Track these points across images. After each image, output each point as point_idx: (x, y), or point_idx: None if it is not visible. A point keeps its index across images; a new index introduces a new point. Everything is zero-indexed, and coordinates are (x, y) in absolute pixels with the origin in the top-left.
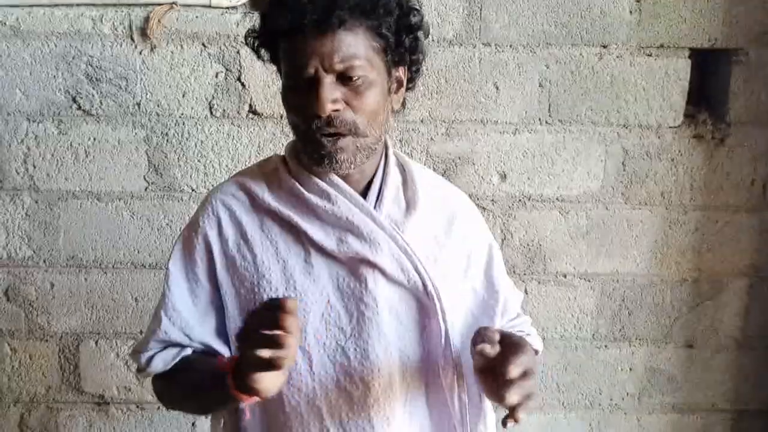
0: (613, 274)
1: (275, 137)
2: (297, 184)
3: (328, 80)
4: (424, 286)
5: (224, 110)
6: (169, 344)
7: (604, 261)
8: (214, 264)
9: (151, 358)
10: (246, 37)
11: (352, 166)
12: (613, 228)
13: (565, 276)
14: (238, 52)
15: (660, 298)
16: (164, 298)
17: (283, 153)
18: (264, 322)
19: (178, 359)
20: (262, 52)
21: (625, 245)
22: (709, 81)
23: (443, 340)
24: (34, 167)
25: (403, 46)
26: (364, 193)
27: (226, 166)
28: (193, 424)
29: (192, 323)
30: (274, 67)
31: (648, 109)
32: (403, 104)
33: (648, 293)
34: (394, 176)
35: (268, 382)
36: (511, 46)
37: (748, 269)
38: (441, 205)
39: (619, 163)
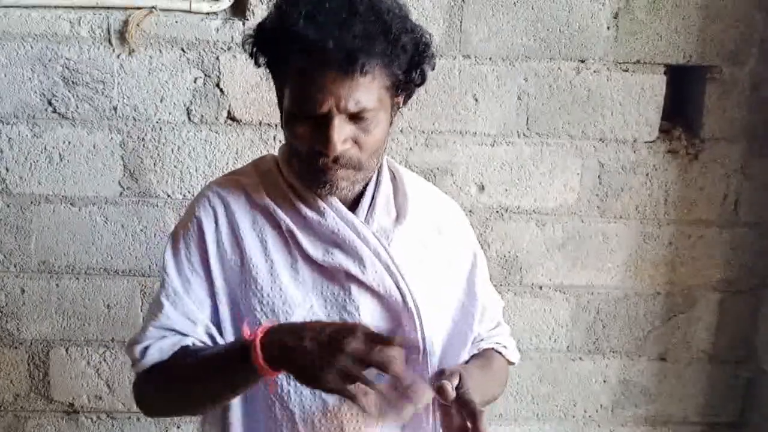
0: (588, 287)
1: (253, 144)
2: (290, 191)
3: (340, 120)
4: (405, 303)
5: (202, 116)
6: (168, 332)
7: (580, 273)
8: (207, 254)
9: (146, 349)
10: (244, 42)
11: (349, 192)
12: (589, 241)
13: (540, 288)
14: (217, 58)
15: (634, 311)
16: (164, 284)
17: (276, 154)
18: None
19: (177, 348)
20: (260, 60)
21: (600, 258)
22: (683, 97)
23: (420, 357)
24: (7, 170)
25: (411, 81)
26: (356, 202)
27: (203, 172)
28: None
29: (193, 309)
30: (254, 75)
31: (624, 124)
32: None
33: (622, 306)
34: (385, 185)
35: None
36: (490, 58)
37: (720, 284)
38: (430, 213)
39: (595, 177)
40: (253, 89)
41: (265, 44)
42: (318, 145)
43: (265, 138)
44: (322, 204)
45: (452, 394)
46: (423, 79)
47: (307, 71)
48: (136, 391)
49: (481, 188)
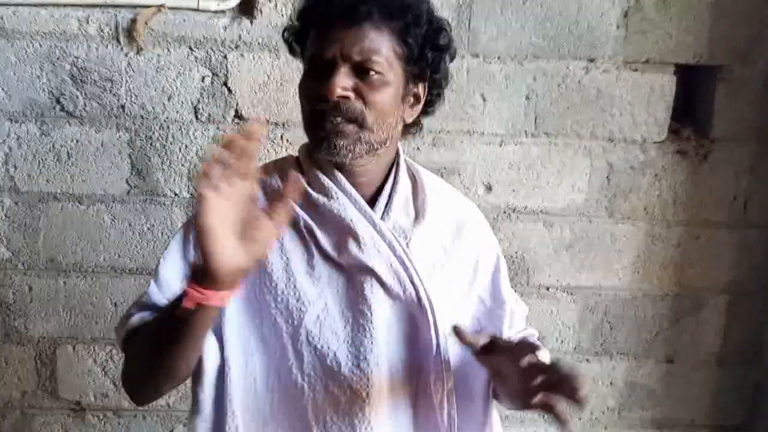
0: (595, 288)
1: (260, 143)
2: (305, 183)
3: (344, 69)
4: (419, 299)
5: (210, 115)
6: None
7: (587, 274)
8: None
9: (127, 318)
10: (283, 33)
11: (350, 155)
12: (597, 241)
13: (547, 289)
14: (225, 57)
15: (641, 312)
16: (157, 268)
17: (296, 154)
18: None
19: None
20: (296, 48)
21: (607, 259)
22: (693, 97)
23: (434, 354)
24: (15, 168)
25: (425, 60)
26: (374, 199)
27: None
28: (171, 431)
29: (178, 294)
30: (262, 74)
31: (633, 124)
32: (419, 124)
33: (629, 307)
34: (403, 184)
35: (208, 215)
36: (498, 57)
37: (729, 285)
38: (450, 214)
39: (603, 177)
40: (261, 88)
41: (293, 22)
42: (320, 91)
43: (272, 137)
44: (333, 187)
45: (472, 337)
46: (439, 65)
47: (318, 23)
48: (122, 375)
49: (489, 188)
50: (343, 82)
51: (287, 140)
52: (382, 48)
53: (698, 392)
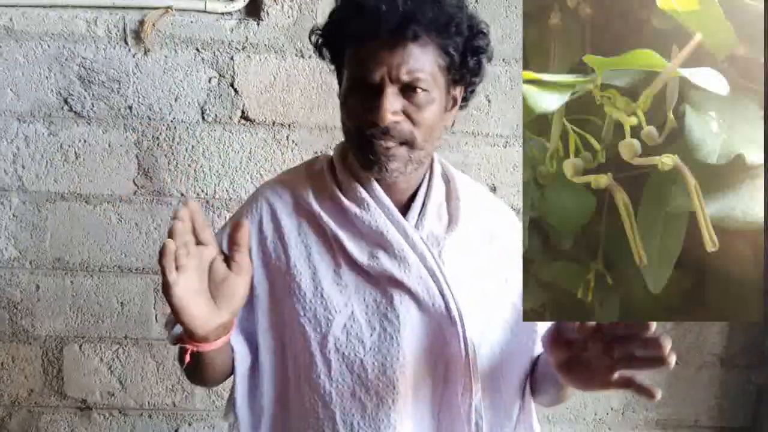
0: None
1: (266, 144)
2: (337, 190)
3: (392, 90)
4: (448, 310)
5: (216, 115)
6: None
7: None
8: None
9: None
10: (310, 34)
11: (401, 176)
12: None
13: None
14: (231, 58)
15: None
16: None
17: (331, 154)
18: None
19: None
20: (324, 51)
21: None
22: None
23: (463, 365)
24: (23, 168)
25: (466, 67)
26: (407, 205)
27: (217, 171)
28: (176, 430)
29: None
30: (268, 75)
31: None
32: (453, 122)
33: None
34: (437, 189)
35: (177, 288)
36: (503, 59)
37: None
38: (484, 219)
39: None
40: (267, 89)
41: (328, 30)
42: (369, 115)
43: (278, 138)
44: (368, 199)
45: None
46: (479, 69)
47: (362, 40)
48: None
49: (493, 189)
50: (393, 107)
51: (293, 141)
52: (426, 65)
53: (702, 393)
